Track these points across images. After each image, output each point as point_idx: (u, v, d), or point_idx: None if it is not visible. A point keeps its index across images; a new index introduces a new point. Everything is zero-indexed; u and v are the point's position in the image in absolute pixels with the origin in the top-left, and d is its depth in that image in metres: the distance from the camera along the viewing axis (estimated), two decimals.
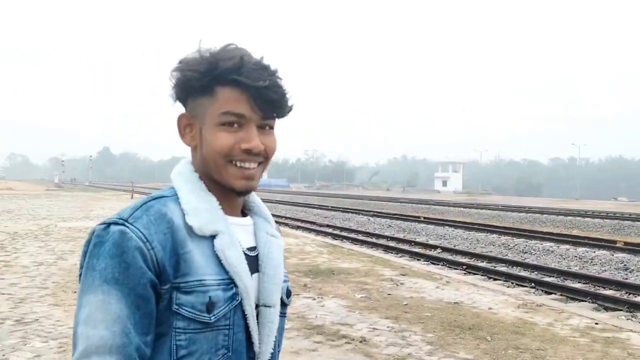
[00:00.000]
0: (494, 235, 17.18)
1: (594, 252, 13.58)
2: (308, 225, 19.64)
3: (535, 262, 11.81)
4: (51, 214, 19.74)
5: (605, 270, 11.24)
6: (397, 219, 23.66)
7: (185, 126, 1.08)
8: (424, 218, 23.63)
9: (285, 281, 1.17)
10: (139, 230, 0.95)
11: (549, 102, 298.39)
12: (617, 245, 14.38)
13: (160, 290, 0.95)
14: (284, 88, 1.05)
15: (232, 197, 1.08)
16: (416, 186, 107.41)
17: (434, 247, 14.04)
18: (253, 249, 1.10)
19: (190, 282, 0.96)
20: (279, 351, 1.16)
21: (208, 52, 1.03)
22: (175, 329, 0.96)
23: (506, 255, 13.21)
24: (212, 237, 1.01)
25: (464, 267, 10.97)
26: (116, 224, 0.95)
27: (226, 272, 1.01)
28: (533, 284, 9.23)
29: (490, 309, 6.83)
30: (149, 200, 1.02)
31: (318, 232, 17.32)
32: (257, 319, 1.06)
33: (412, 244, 14.81)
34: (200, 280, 0.97)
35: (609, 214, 28.38)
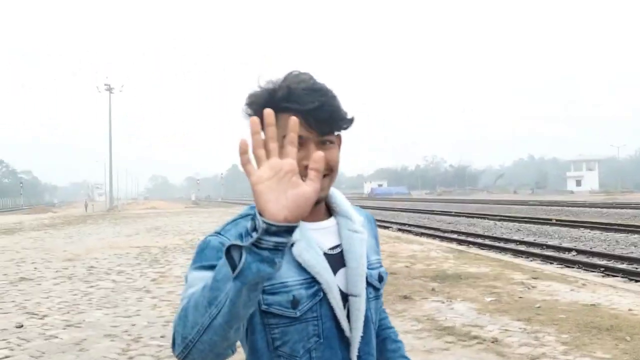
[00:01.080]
0: (636, 236, 16.00)
1: None
2: (432, 232, 19.60)
3: None
4: (193, 229, 21.52)
5: None
6: (526, 222, 22.76)
7: None
8: (556, 220, 22.50)
9: (376, 268, 1.33)
10: (228, 238, 1.14)
11: (549, 102, 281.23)
12: None
13: None
14: (335, 105, 1.18)
15: None
16: (546, 187, 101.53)
17: (568, 249, 13.44)
18: (337, 247, 1.25)
19: (275, 284, 1.13)
20: (375, 329, 1.31)
21: (270, 84, 1.18)
22: (268, 325, 1.15)
23: None
24: (291, 245, 1.12)
25: (602, 269, 10.44)
26: (211, 235, 1.17)
27: (308, 272, 1.17)
28: None
29: (630, 310, 6.56)
30: (239, 218, 1.21)
31: (443, 238, 17.23)
32: (348, 308, 1.21)
33: (544, 247, 14.29)
34: (283, 282, 1.14)
35: None
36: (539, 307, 6.81)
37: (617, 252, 13.09)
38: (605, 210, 29.98)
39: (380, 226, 22.84)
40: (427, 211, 34.39)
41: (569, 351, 5.04)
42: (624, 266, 10.69)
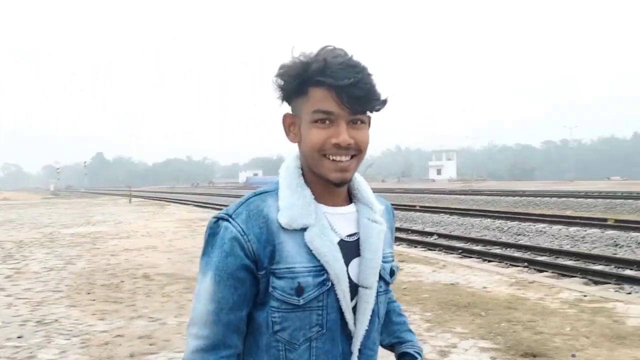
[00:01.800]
0: (489, 220, 17.56)
1: (585, 230, 13.98)
2: None
3: (528, 243, 12.20)
4: (52, 222, 19.99)
5: (595, 247, 11.63)
6: (394, 209, 23.93)
7: (290, 125, 1.20)
8: (420, 207, 24.01)
9: (389, 261, 1.27)
10: (239, 225, 1.11)
11: (549, 102, 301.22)
12: (608, 223, 14.78)
13: (258, 274, 1.11)
14: (371, 84, 1.11)
15: (332, 188, 1.18)
16: (411, 176, 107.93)
17: (430, 234, 14.42)
18: (354, 234, 1.20)
19: (281, 269, 1.10)
20: (380, 324, 1.27)
21: (302, 57, 1.13)
22: (271, 307, 1.11)
23: (500, 238, 13.59)
24: (304, 229, 1.13)
25: (460, 251, 11.34)
26: (223, 219, 1.14)
27: (318, 260, 1.11)
28: (526, 264, 9.60)
29: (484, 288, 7.20)
30: (252, 196, 1.17)
31: None
32: (357, 299, 1.17)
33: (409, 232, 15.18)
34: (290, 267, 1.10)
35: (602, 194, 28.87)
36: (405, 288, 7.24)
37: (473, 235, 14.29)
38: (462, 197, 32.51)
39: None
40: None
41: (432, 328, 5.40)
42: (479, 248, 11.70)
